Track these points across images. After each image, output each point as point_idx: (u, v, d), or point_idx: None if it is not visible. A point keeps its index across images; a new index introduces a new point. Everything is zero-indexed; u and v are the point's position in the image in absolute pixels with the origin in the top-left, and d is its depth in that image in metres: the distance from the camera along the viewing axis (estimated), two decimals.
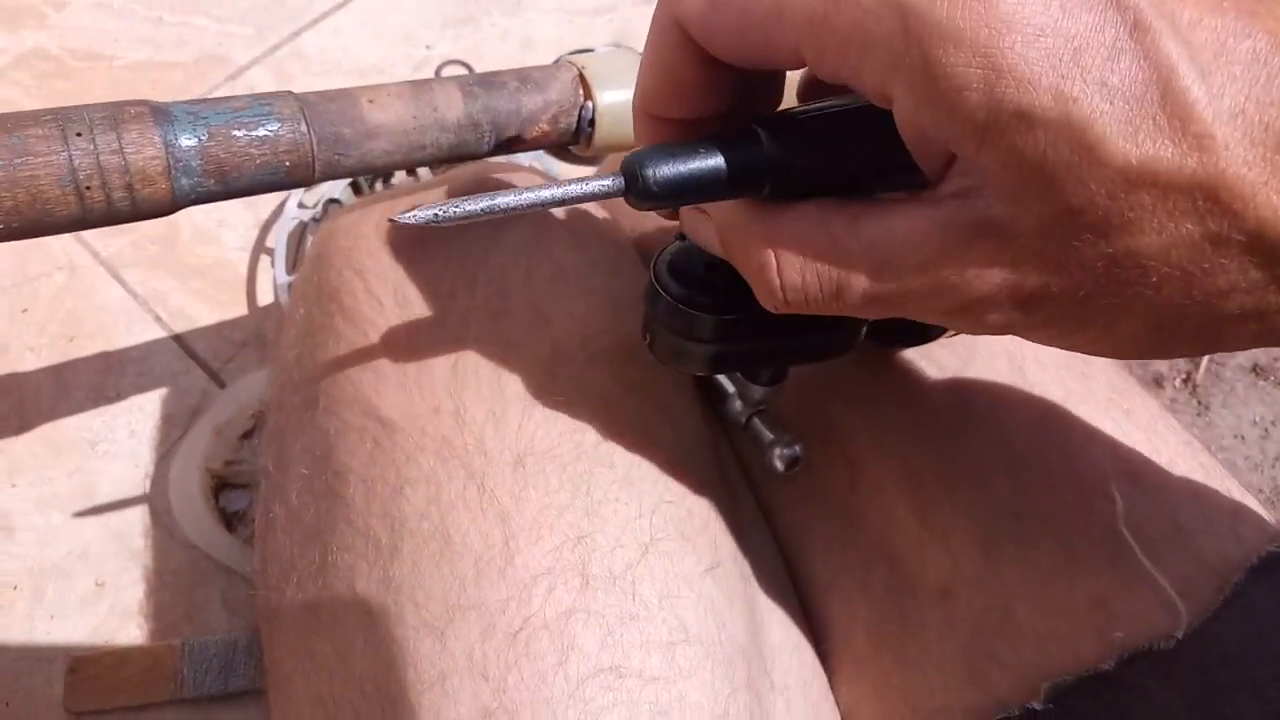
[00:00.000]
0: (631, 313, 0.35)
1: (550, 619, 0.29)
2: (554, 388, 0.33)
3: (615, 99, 0.37)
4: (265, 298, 0.66)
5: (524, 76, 0.37)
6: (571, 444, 0.32)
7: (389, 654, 0.30)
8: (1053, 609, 0.33)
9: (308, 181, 0.32)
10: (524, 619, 0.29)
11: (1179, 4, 0.20)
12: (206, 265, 0.67)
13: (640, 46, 0.28)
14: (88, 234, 0.66)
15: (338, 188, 0.66)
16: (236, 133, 0.30)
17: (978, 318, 0.23)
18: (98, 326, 0.64)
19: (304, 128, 0.31)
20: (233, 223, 0.69)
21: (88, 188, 0.28)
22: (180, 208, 0.30)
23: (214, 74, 0.73)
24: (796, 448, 0.32)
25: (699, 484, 0.33)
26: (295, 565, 0.33)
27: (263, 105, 0.31)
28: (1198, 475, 0.35)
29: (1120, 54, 0.19)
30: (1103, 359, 0.38)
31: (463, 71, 0.75)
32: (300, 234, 0.65)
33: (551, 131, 0.37)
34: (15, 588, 0.57)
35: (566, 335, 0.34)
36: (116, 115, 0.29)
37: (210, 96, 0.31)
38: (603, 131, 0.38)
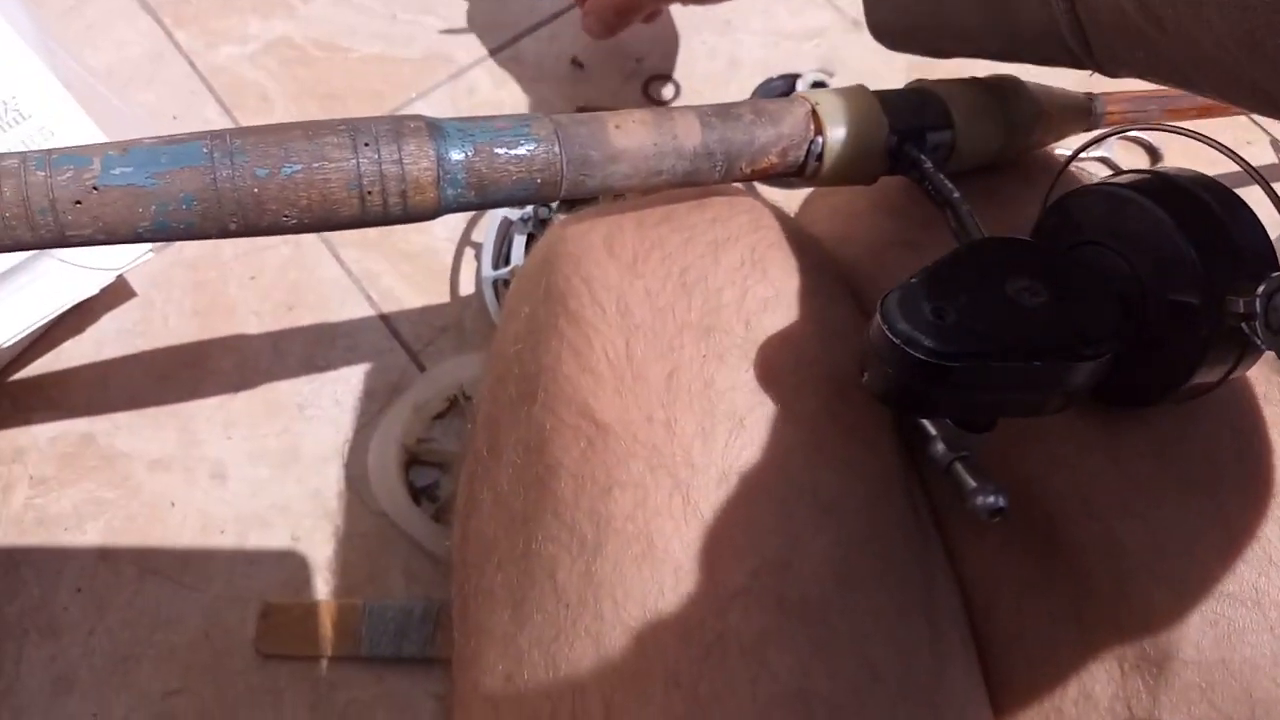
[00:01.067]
0: (842, 343, 0.36)
1: (744, 638, 0.30)
2: (763, 410, 0.34)
3: (846, 135, 0.38)
4: (466, 288, 0.70)
5: (759, 109, 0.38)
6: (776, 467, 0.33)
7: (584, 647, 0.31)
8: (1257, 699, 0.32)
9: (554, 197, 0.35)
10: (718, 634, 0.30)
11: None
12: (416, 252, 0.71)
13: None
14: None
15: None
16: (498, 150, 0.33)
17: None
18: (316, 299, 0.69)
19: (557, 149, 0.33)
20: (445, 216, 0.73)
21: (369, 192, 0.31)
22: (443, 214, 0.33)
23: (439, 71, 0.77)
24: (1000, 498, 0.32)
25: (896, 523, 0.34)
26: (498, 547, 0.35)
27: (523, 125, 0.33)
28: None
29: None
30: None
31: (671, 86, 0.77)
32: (505, 232, 0.68)
33: (780, 163, 0.38)
34: (223, 531, 0.62)
35: (778, 359, 0.35)
36: (399, 129, 0.31)
37: (476, 116, 0.33)
38: (830, 167, 0.38)
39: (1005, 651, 0.36)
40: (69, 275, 0.59)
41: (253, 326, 0.68)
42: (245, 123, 0.74)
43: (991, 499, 0.32)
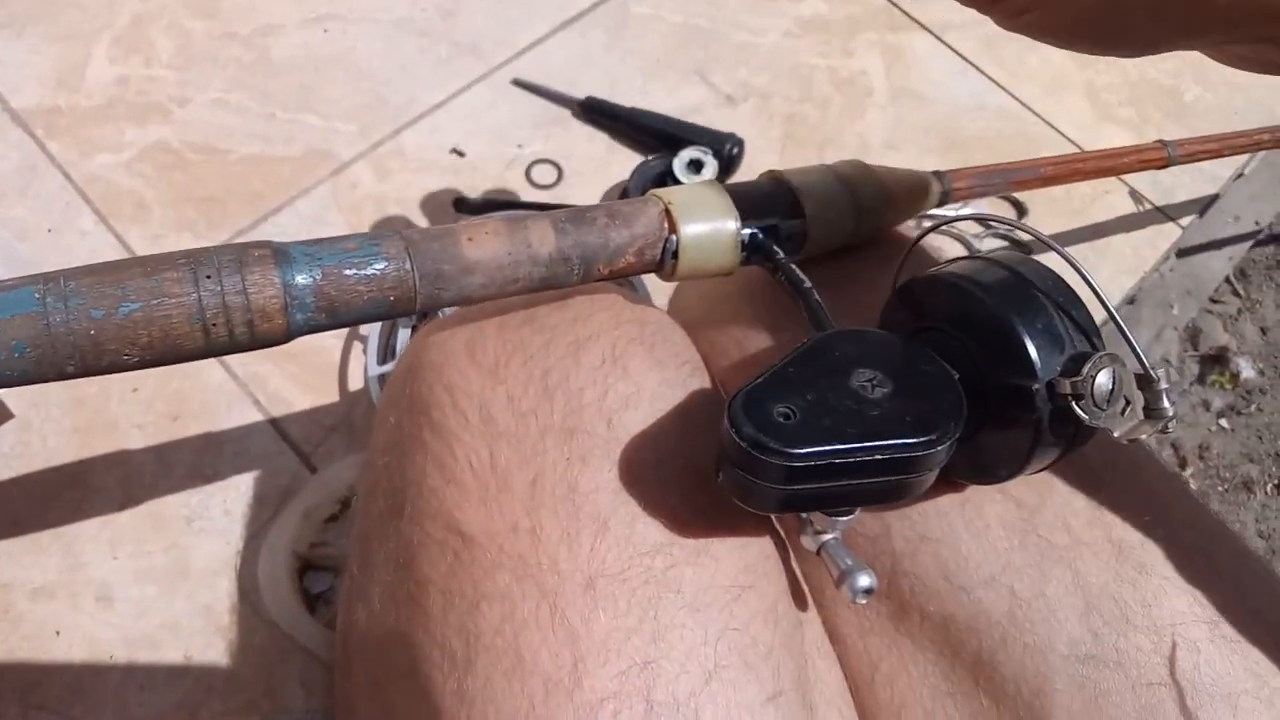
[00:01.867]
0: (703, 433, 0.37)
1: None
2: (626, 510, 0.34)
3: (699, 230, 0.39)
4: (356, 383, 0.69)
5: (612, 212, 0.39)
6: (641, 568, 0.33)
7: None
8: None
9: (409, 312, 0.35)
10: None
11: None
12: (302, 351, 0.70)
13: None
14: None
15: None
16: (348, 272, 0.33)
17: None
18: (201, 406, 0.67)
19: (408, 265, 0.34)
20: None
21: (213, 324, 0.31)
22: (293, 339, 0.33)
23: (320, 168, 0.77)
24: (868, 579, 0.33)
25: (765, 611, 0.34)
26: (373, 667, 0.35)
27: (372, 245, 0.34)
28: None
29: None
30: (1183, 505, 0.38)
31: (552, 170, 0.78)
32: (391, 326, 0.68)
33: (637, 262, 0.39)
34: (111, 656, 0.60)
35: (640, 457, 0.35)
36: (242, 258, 0.31)
37: (324, 237, 0.34)
38: (685, 262, 0.39)
39: None
40: None
41: (136, 440, 0.66)
42: (123, 231, 0.73)
43: (860, 580, 0.33)
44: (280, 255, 0.32)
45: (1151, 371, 0.33)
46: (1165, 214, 0.91)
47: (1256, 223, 1.00)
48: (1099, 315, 0.34)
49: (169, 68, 0.80)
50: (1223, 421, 0.96)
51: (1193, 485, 0.93)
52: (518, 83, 0.82)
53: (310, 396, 0.68)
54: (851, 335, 0.35)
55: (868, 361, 0.33)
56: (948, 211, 0.81)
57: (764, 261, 0.41)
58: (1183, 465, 1.02)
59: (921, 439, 0.31)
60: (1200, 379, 1.06)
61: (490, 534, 0.34)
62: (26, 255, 0.63)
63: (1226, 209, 0.99)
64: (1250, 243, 1.00)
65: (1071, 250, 0.84)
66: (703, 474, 0.36)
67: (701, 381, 0.39)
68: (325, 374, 0.69)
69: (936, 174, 0.49)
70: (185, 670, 0.60)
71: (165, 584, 0.62)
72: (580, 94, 0.80)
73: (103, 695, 0.59)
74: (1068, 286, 0.34)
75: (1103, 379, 0.32)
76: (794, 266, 0.40)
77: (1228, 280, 1.01)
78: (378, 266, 0.33)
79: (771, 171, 0.43)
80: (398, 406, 0.39)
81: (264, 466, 0.66)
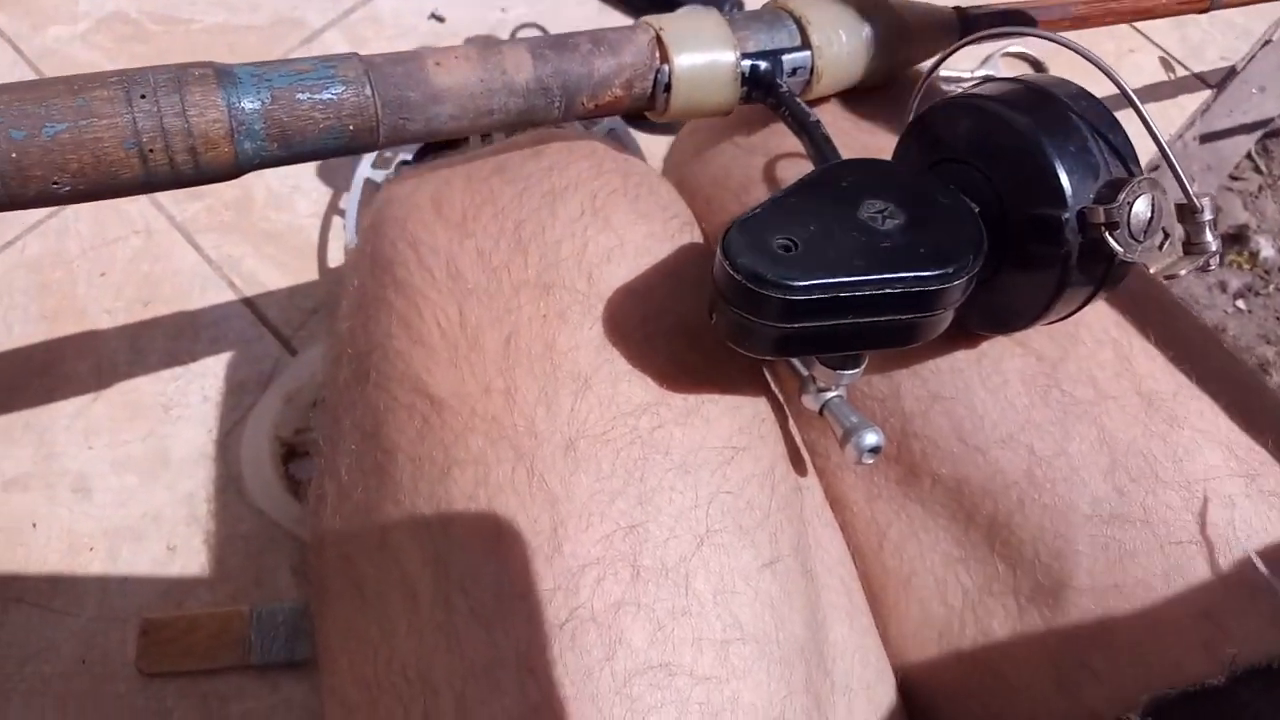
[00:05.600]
0: (694, 290, 0.34)
1: (598, 611, 0.28)
2: (609, 368, 0.32)
3: (694, 62, 0.36)
4: (337, 263, 0.66)
5: (597, 38, 0.35)
6: (626, 428, 0.31)
7: (434, 640, 0.29)
8: (1153, 619, 0.31)
9: (372, 147, 0.31)
10: (571, 610, 0.28)
11: None
12: (279, 231, 0.67)
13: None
14: (163, 198, 0.67)
15: (411, 150, 0.65)
16: (300, 96, 0.29)
17: None
18: (173, 290, 0.64)
19: (369, 91, 0.30)
20: (306, 188, 0.68)
21: (151, 150, 0.27)
22: (244, 171, 0.29)
23: (289, 37, 0.72)
24: (875, 436, 0.30)
25: (760, 474, 0.32)
26: (343, 543, 0.33)
27: (327, 67, 0.30)
28: None
29: None
30: (1218, 358, 0.36)
31: (539, 34, 0.74)
32: (371, 196, 0.64)
33: (625, 96, 0.35)
34: (91, 549, 0.58)
35: (624, 313, 0.33)
36: (180, 77, 0.28)
37: (276, 60, 0.30)
38: (679, 97, 0.36)
39: (899, 593, 0.35)
40: None
41: (107, 326, 0.63)
42: None
43: (867, 438, 0.30)
44: (224, 75, 0.29)
45: (1196, 200, 0.30)
46: (1197, 77, 0.87)
47: None
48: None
49: None
50: (1240, 303, 0.93)
51: None
52: None
53: (289, 277, 0.65)
54: (860, 164, 0.32)
55: (877, 192, 0.30)
56: (962, 72, 0.76)
57: (766, 97, 0.37)
58: None
59: (937, 271, 0.28)
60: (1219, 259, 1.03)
61: (461, 396, 0.31)
62: None
63: (1250, 79, 0.94)
64: (1276, 116, 0.95)
65: None
66: (693, 332, 0.33)
67: (691, 236, 0.36)
68: (304, 254, 0.66)
69: (958, 10, 0.45)
70: (169, 561, 0.58)
71: (145, 473, 0.59)
72: None
73: (84, 587, 0.57)
74: (1103, 107, 0.31)
75: (1140, 206, 0.29)
76: (799, 100, 0.36)
77: (1249, 156, 0.97)
78: (334, 91, 0.30)
79: (776, 0, 0.39)
80: (360, 267, 0.37)
81: (243, 351, 0.63)
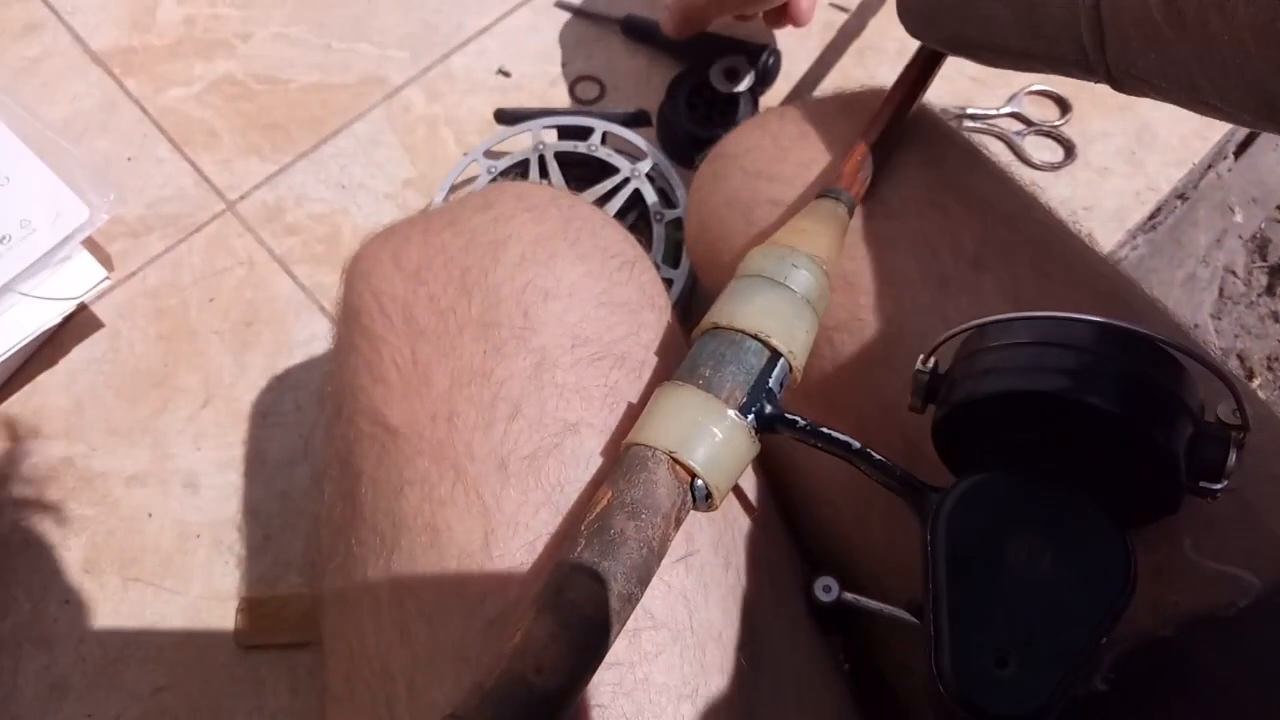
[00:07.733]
0: (626, 316, 0.37)
1: (524, 608, 0.30)
2: (538, 395, 0.35)
3: (712, 455, 0.33)
4: None
5: (631, 510, 0.31)
6: (550, 445, 0.34)
7: (391, 637, 0.33)
8: None
9: None
10: (500, 609, 0.32)
11: None
12: None
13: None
14: (264, 235, 0.75)
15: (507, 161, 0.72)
16: None
17: None
18: (271, 314, 0.73)
19: None
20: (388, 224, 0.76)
21: None
22: None
23: (374, 93, 0.81)
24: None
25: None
26: (329, 557, 0.38)
27: None
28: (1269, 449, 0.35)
29: None
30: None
31: (595, 85, 0.81)
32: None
33: (682, 521, 0.33)
34: (198, 536, 0.66)
35: (555, 341, 0.36)
36: None
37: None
38: (720, 491, 0.33)
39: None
40: (31, 308, 0.63)
41: (215, 345, 0.72)
42: (195, 157, 0.78)
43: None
44: None
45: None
46: None
47: None
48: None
49: (232, 6, 0.85)
50: None
51: (1261, 396, 0.92)
52: (560, 4, 0.85)
53: None
54: (969, 502, 0.31)
55: (1013, 529, 0.30)
56: (989, 110, 0.81)
57: (785, 431, 0.35)
58: (1250, 376, 1.01)
59: (1108, 604, 0.29)
60: (1269, 290, 1.04)
61: (412, 424, 0.35)
62: (114, 179, 0.69)
63: None
64: None
65: (1114, 143, 0.85)
66: (619, 354, 0.37)
67: (631, 274, 0.39)
68: None
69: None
70: (265, 548, 0.65)
71: (245, 472, 0.67)
72: (620, 13, 0.83)
73: (191, 569, 0.65)
74: (1151, 343, 0.31)
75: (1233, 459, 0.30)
76: (827, 430, 0.35)
77: None
78: None
79: (715, 325, 0.36)
80: (338, 318, 0.42)
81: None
